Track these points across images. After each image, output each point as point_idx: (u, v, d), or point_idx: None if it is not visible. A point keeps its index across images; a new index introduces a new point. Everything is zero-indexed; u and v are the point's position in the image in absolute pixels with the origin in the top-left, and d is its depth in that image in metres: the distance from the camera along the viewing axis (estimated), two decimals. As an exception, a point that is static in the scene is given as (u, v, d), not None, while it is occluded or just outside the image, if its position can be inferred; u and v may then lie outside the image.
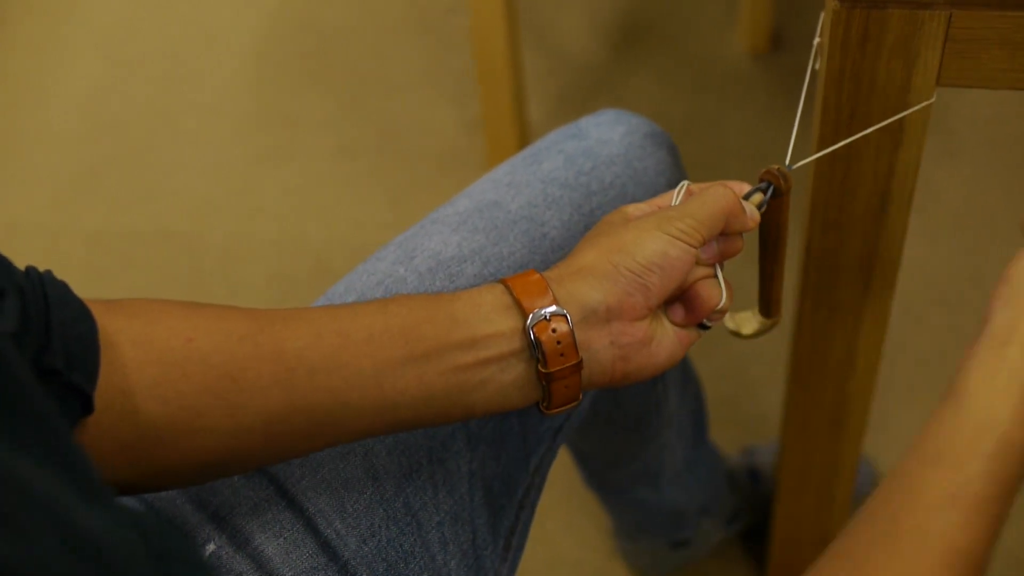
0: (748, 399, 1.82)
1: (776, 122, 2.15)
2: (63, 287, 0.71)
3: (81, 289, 0.74)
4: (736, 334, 0.99)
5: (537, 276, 0.80)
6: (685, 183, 0.88)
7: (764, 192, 0.87)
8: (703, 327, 0.87)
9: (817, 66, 0.92)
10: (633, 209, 0.87)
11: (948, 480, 0.70)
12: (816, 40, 0.93)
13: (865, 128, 0.91)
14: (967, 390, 0.72)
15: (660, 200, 0.88)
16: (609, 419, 1.25)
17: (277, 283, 2.05)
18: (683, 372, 1.31)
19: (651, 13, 2.42)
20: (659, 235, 0.80)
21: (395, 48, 2.43)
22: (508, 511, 0.97)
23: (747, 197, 0.87)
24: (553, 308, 0.78)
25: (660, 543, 1.56)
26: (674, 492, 1.44)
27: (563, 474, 1.58)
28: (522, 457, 0.97)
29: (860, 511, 0.72)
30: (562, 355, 0.78)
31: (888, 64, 0.87)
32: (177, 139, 2.32)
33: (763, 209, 0.87)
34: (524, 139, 2.10)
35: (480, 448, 0.93)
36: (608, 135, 1.04)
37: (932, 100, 0.89)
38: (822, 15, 0.90)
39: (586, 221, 0.98)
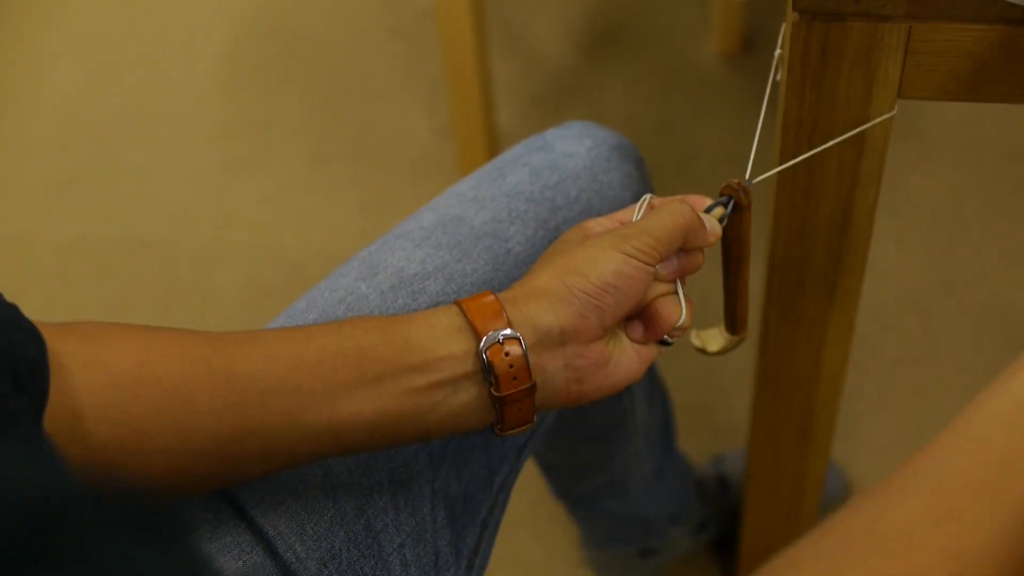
0: (719, 406, 1.81)
1: (748, 125, 2.06)
2: (12, 309, 0.71)
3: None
4: (702, 351, 0.99)
5: (492, 298, 0.79)
6: (647, 197, 0.87)
7: (725, 206, 0.87)
8: (664, 343, 0.87)
9: (779, 77, 0.92)
10: (593, 224, 0.86)
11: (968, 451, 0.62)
12: (777, 52, 0.93)
13: (827, 140, 0.91)
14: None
15: (621, 215, 0.88)
16: (575, 430, 1.24)
17: (251, 291, 2.04)
18: (650, 382, 1.30)
19: (622, 17, 2.41)
20: (614, 254, 0.80)
21: (369, 54, 2.42)
22: (471, 530, 0.96)
23: (708, 211, 0.86)
24: (507, 331, 0.78)
25: (629, 552, 1.55)
26: (642, 501, 1.44)
27: (531, 483, 1.58)
28: (485, 475, 0.96)
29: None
30: (515, 378, 0.78)
31: (849, 77, 0.87)
32: (151, 146, 2.30)
33: (724, 223, 0.87)
34: (494, 145, 2.09)
35: (443, 467, 0.92)
36: (574, 148, 1.03)
37: (893, 113, 0.89)
38: (783, 26, 0.90)
39: (551, 236, 0.98)
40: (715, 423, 1.80)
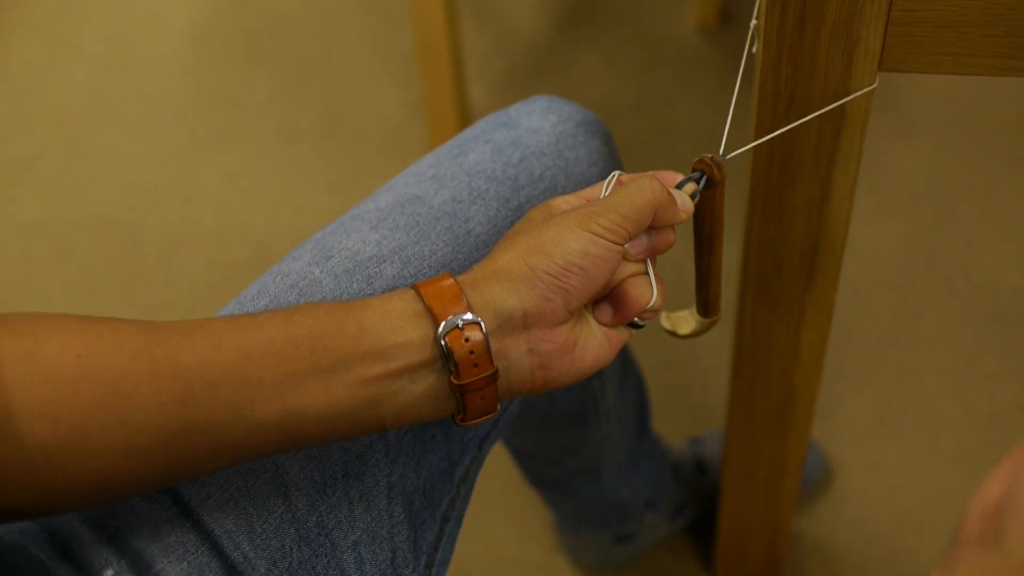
0: (696, 387, 1.79)
1: (727, 100, 2.07)
2: None
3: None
4: (672, 334, 0.95)
5: (450, 281, 0.76)
6: (616, 174, 0.84)
7: (697, 182, 0.84)
8: (635, 326, 0.84)
9: (755, 50, 0.89)
10: (560, 202, 0.83)
11: None
12: (753, 22, 0.90)
13: (805, 115, 0.89)
14: None
15: (589, 192, 0.84)
16: (545, 416, 1.21)
17: (218, 270, 2.02)
18: (622, 364, 1.27)
19: None
20: (580, 233, 0.77)
21: (339, 28, 2.40)
22: (431, 525, 0.92)
23: (680, 187, 0.83)
24: (467, 315, 0.74)
25: (604, 538, 1.52)
26: (617, 486, 1.41)
27: (504, 467, 1.56)
28: (446, 468, 0.93)
29: None
30: (476, 365, 0.74)
31: (828, 48, 0.85)
32: (116, 124, 2.28)
33: (696, 200, 0.83)
34: (466, 121, 2.08)
35: (400, 460, 0.89)
36: (539, 124, 0.99)
37: (874, 86, 0.87)
38: (758, -5, 0.87)
39: (513, 216, 0.94)
40: (691, 404, 1.77)
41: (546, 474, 1.39)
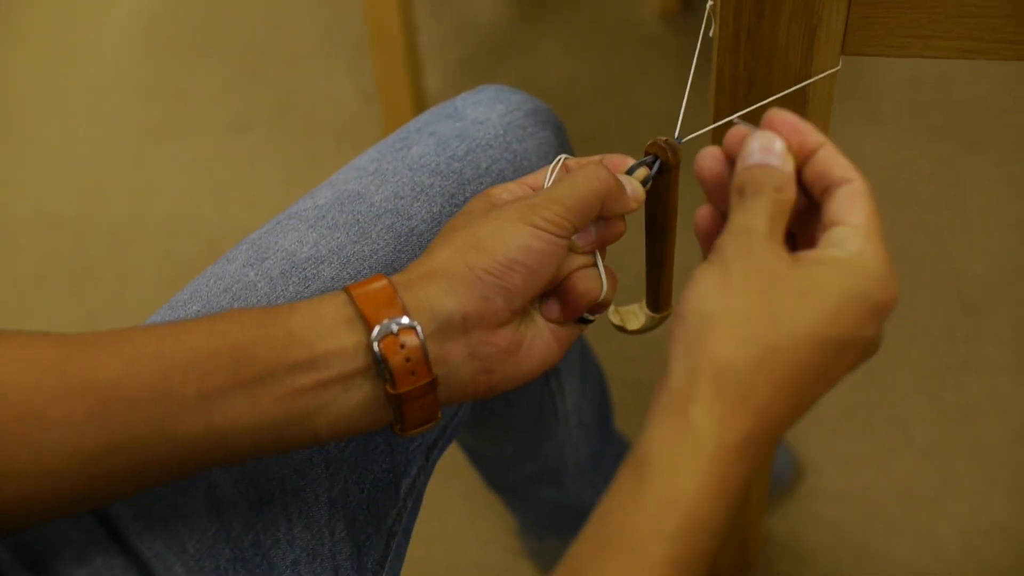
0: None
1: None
2: None
3: None
4: (621, 329, 0.91)
5: (383, 282, 0.71)
6: (562, 158, 0.80)
7: (650, 167, 0.80)
8: (584, 321, 0.80)
9: (712, 32, 0.86)
10: (501, 191, 0.79)
11: (624, 569, 0.60)
12: (710, 3, 0.86)
13: (765, 100, 0.85)
14: (648, 460, 0.61)
15: (532, 179, 0.80)
16: (501, 419, 1.17)
17: (168, 267, 1.99)
18: (581, 362, 1.23)
19: None
20: (521, 227, 0.73)
21: (290, 14, 2.37)
22: (376, 541, 0.88)
23: (630, 172, 0.79)
24: (402, 320, 0.70)
25: (569, 543, 1.47)
26: (580, 489, 1.37)
27: (465, 469, 1.51)
28: (390, 480, 0.88)
29: None
30: (413, 373, 0.70)
31: (788, 31, 0.81)
32: (62, 116, 2.25)
33: (648, 186, 0.79)
34: (422, 109, 2.03)
35: (342, 473, 0.84)
36: (486, 114, 0.95)
37: (837, 68, 0.83)
38: (716, -25, 0.83)
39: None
40: (650, 399, 1.71)
41: (505, 478, 1.35)
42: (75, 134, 2.21)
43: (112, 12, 2.41)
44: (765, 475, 1.29)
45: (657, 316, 0.89)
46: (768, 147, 0.68)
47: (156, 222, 2.05)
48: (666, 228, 0.83)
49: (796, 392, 0.62)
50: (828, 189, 0.68)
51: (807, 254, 0.65)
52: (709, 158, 0.72)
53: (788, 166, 0.68)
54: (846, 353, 0.64)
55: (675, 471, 0.61)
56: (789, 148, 0.68)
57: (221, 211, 2.05)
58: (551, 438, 1.24)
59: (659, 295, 0.88)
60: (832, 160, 0.68)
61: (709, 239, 0.72)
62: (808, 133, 0.69)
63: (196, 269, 1.88)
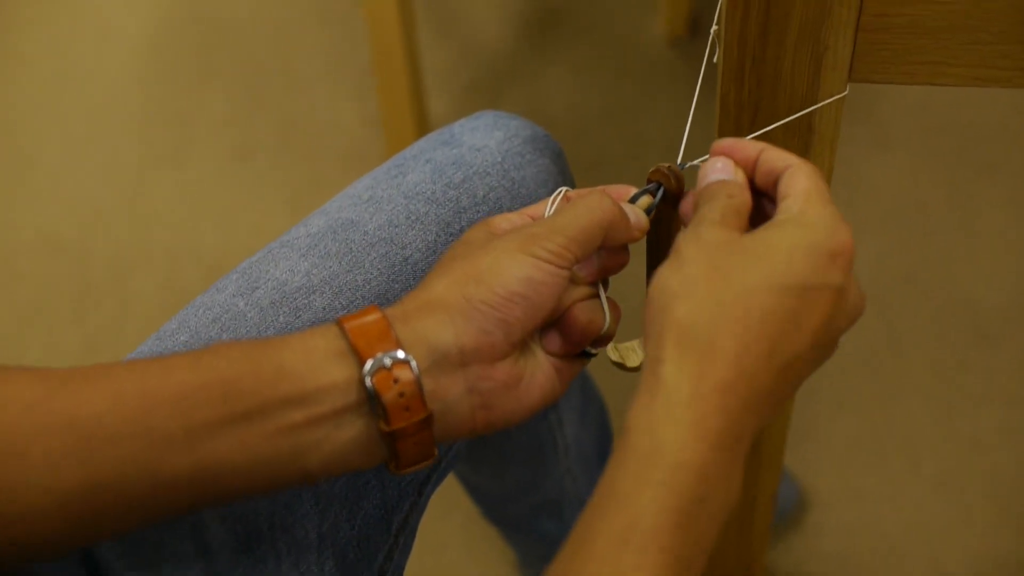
0: None
1: (697, 111, 2.05)
2: None
3: None
4: (620, 367, 0.88)
5: (377, 314, 0.69)
6: (563, 190, 0.79)
7: (653, 195, 0.78)
8: (586, 355, 0.78)
9: (716, 58, 0.84)
10: (501, 221, 0.77)
11: (616, 522, 0.62)
12: (714, 28, 0.85)
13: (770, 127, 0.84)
14: (628, 427, 0.64)
15: (533, 210, 0.79)
16: (499, 451, 1.15)
17: (169, 294, 1.97)
18: (582, 394, 1.21)
19: None
20: (522, 258, 0.71)
21: (295, 40, 2.36)
22: (366, 579, 0.85)
23: (634, 200, 0.78)
24: (396, 353, 0.68)
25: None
26: (582, 522, 1.33)
27: (463, 499, 1.49)
28: (381, 516, 0.86)
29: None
30: (407, 409, 0.68)
31: (794, 58, 0.80)
32: (64, 140, 2.23)
33: (652, 214, 0.78)
34: (425, 135, 2.00)
35: (332, 509, 0.82)
36: (483, 141, 0.93)
37: (844, 94, 0.82)
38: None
39: (454, 242, 0.87)
40: None
41: (504, 511, 1.33)
42: (76, 159, 2.19)
43: (115, 36, 2.40)
44: (768, 509, 1.26)
45: None
46: (714, 167, 0.74)
47: (158, 248, 2.03)
48: (662, 259, 0.81)
49: (766, 340, 0.64)
50: (776, 180, 0.72)
51: (757, 228, 0.69)
52: (689, 204, 0.76)
53: (738, 176, 0.74)
54: (813, 300, 0.66)
55: (653, 426, 0.63)
56: (736, 164, 0.74)
57: (223, 238, 2.04)
58: (551, 471, 1.22)
59: None
60: (773, 156, 0.73)
61: None
62: (747, 145, 0.74)
63: (197, 295, 1.88)
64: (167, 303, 1.95)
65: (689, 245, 0.68)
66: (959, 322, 1.81)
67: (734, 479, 0.64)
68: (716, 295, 0.65)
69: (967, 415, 1.70)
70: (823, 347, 0.68)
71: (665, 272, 0.68)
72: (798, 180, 0.70)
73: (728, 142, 0.75)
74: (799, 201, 0.69)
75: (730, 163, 0.74)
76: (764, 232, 0.68)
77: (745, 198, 0.72)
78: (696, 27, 2.27)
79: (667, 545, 0.61)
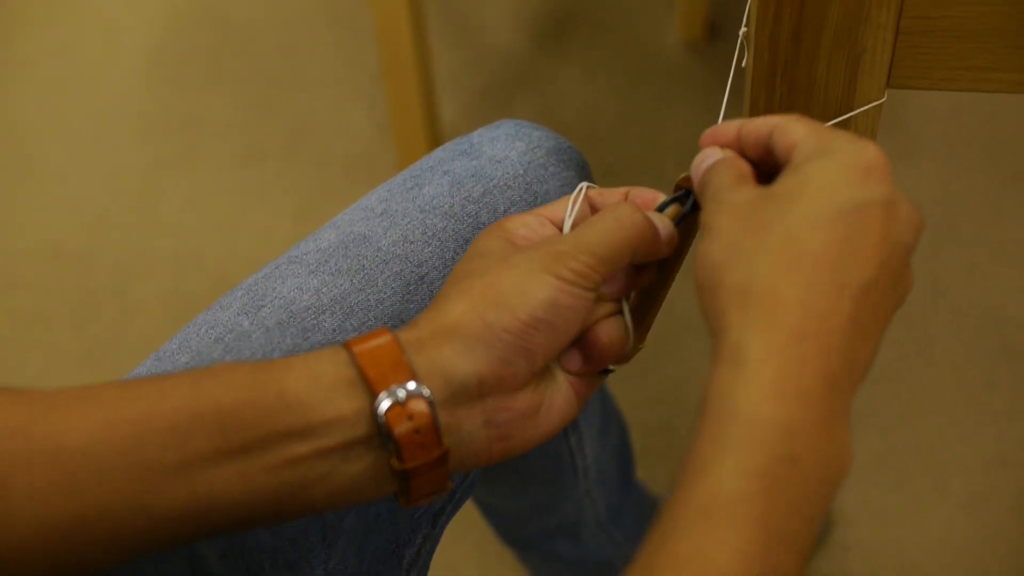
0: (682, 426, 1.71)
1: (715, 117, 2.01)
2: None
3: None
4: None
5: (387, 337, 0.65)
6: (583, 187, 0.75)
7: (682, 203, 0.74)
8: (605, 371, 0.73)
9: (744, 62, 0.81)
10: (517, 225, 0.73)
11: (697, 490, 0.57)
12: (742, 30, 0.81)
13: None
14: (707, 395, 0.60)
15: (550, 211, 0.74)
16: (516, 473, 1.11)
17: (175, 302, 1.94)
18: (603, 413, 1.17)
19: (577, 1, 2.34)
20: (546, 280, 0.66)
21: (304, 43, 2.33)
22: (376, 618, 0.81)
23: (661, 209, 0.73)
24: (411, 386, 0.63)
25: (587, 600, 1.42)
26: (599, 544, 1.31)
27: (477, 519, 1.46)
28: (392, 550, 0.82)
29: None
30: (422, 446, 0.63)
31: (828, 62, 0.77)
32: (67, 146, 2.21)
33: (680, 224, 0.73)
34: (436, 141, 2.01)
35: (340, 543, 0.78)
36: (504, 152, 0.88)
37: (882, 100, 0.79)
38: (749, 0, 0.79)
39: None
40: (679, 445, 1.69)
41: (520, 533, 1.29)
42: (81, 164, 2.18)
43: (120, 40, 2.38)
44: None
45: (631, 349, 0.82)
46: (704, 158, 0.71)
47: (162, 256, 2.01)
48: (674, 268, 0.76)
49: (828, 274, 0.60)
50: (768, 143, 0.69)
51: (778, 177, 0.66)
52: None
53: (727, 152, 0.71)
54: (863, 220, 0.62)
55: (726, 390, 0.59)
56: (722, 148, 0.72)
57: (230, 245, 2.02)
58: (569, 493, 1.18)
59: (642, 327, 0.80)
60: (753, 125, 0.70)
61: None
62: (725, 128, 0.72)
63: (202, 304, 1.84)
64: (172, 311, 1.93)
65: (716, 216, 0.65)
66: (986, 337, 1.78)
67: (836, 435, 0.59)
68: (762, 247, 0.61)
69: (994, 432, 1.67)
70: (893, 269, 0.63)
71: (704, 249, 0.64)
72: (795, 128, 0.67)
73: (708, 133, 0.73)
74: (810, 140, 0.66)
75: (715, 148, 0.71)
76: (787, 177, 0.64)
77: (743, 164, 0.69)
78: (714, 30, 2.24)
79: (753, 513, 0.56)
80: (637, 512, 1.35)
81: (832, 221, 0.61)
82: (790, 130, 0.67)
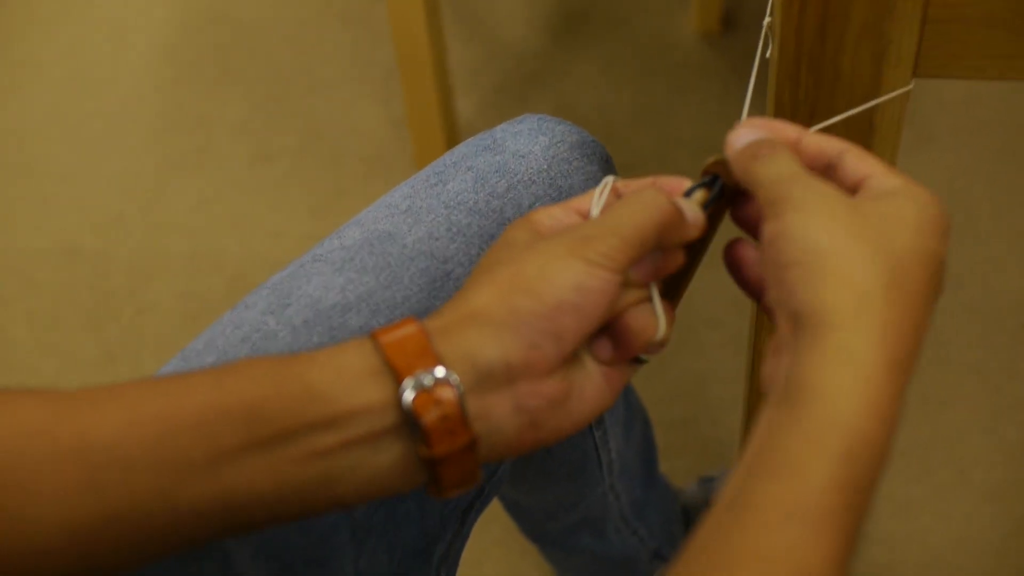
0: (705, 421, 1.70)
1: (733, 109, 2.06)
2: None
3: None
4: None
5: (414, 327, 0.64)
6: (609, 179, 0.73)
7: (709, 188, 0.73)
8: (638, 361, 0.72)
9: (768, 54, 0.81)
10: (544, 217, 0.72)
11: (789, 491, 0.58)
12: (767, 20, 0.81)
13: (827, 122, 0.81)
14: (803, 387, 0.61)
15: (578, 203, 0.73)
16: (540, 468, 1.10)
17: (189, 302, 1.94)
18: (626, 407, 1.16)
19: None
20: (573, 263, 0.65)
21: (317, 41, 2.33)
22: (406, 616, 0.81)
23: (688, 195, 0.72)
24: (437, 371, 0.62)
25: (610, 595, 1.41)
26: (622, 538, 1.30)
27: (501, 513, 1.46)
28: (422, 548, 0.81)
29: (690, 540, 0.59)
30: (450, 432, 0.62)
31: (854, 53, 0.76)
32: (80, 147, 2.21)
33: (709, 210, 0.72)
34: (453, 139, 2.01)
35: (369, 541, 0.78)
36: (528, 147, 0.88)
37: (910, 87, 0.78)
38: (772, -9, 0.79)
39: None
40: (702, 440, 1.69)
41: (544, 528, 1.28)
42: (92, 165, 2.17)
43: (132, 40, 2.38)
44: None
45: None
46: (743, 131, 0.72)
47: (177, 256, 2.01)
48: (698, 256, 0.76)
49: (917, 308, 0.64)
50: (831, 161, 0.70)
51: (859, 197, 0.67)
52: (755, 209, 0.73)
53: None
54: (938, 270, 0.66)
55: (835, 393, 0.60)
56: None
57: (244, 244, 2.01)
58: (593, 487, 1.17)
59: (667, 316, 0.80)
60: (821, 140, 0.71)
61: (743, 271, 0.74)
62: (783, 126, 0.72)
63: (217, 304, 1.86)
64: (186, 312, 1.93)
65: (807, 192, 0.65)
66: (1006, 326, 1.77)
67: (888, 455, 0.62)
68: (875, 262, 0.63)
69: (1016, 422, 1.66)
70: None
71: (796, 221, 0.64)
72: (867, 159, 0.69)
73: (760, 122, 0.73)
74: (892, 177, 0.68)
75: (754, 127, 0.72)
76: (878, 202, 0.66)
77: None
78: (730, 22, 2.24)
79: (841, 524, 0.57)
80: (660, 506, 1.35)
81: (925, 265, 0.63)
82: (867, 158, 0.68)
